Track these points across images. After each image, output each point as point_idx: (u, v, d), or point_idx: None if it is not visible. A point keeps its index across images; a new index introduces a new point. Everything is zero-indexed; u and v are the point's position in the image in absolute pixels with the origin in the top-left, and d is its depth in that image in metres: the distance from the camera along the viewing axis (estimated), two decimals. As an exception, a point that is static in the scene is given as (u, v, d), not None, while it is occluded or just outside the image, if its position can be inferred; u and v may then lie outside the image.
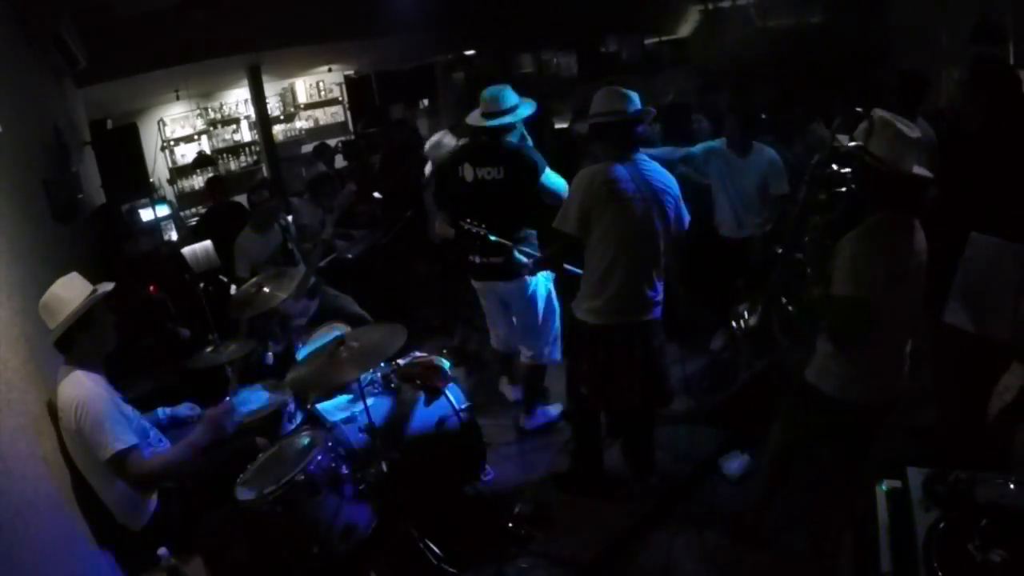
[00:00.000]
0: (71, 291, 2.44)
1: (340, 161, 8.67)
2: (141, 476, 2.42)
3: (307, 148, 10.18)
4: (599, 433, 3.30)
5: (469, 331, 4.97)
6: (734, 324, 2.98)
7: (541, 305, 3.64)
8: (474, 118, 3.47)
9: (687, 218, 2.99)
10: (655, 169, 2.92)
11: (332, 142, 8.10)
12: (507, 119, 3.37)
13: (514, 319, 3.79)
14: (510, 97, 3.42)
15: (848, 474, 2.62)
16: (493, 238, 3.32)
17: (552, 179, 3.40)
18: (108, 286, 2.55)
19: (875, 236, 2.19)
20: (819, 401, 2.41)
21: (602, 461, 3.34)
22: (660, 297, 2.96)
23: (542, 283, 3.63)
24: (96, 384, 2.45)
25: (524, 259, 3.32)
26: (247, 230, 4.37)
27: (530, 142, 3.54)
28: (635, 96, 2.87)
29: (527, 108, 3.45)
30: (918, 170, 2.19)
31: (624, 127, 2.86)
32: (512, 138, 3.45)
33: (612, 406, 3.19)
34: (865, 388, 2.36)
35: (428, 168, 4.91)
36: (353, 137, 9.52)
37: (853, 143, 2.26)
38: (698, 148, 4.40)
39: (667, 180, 2.92)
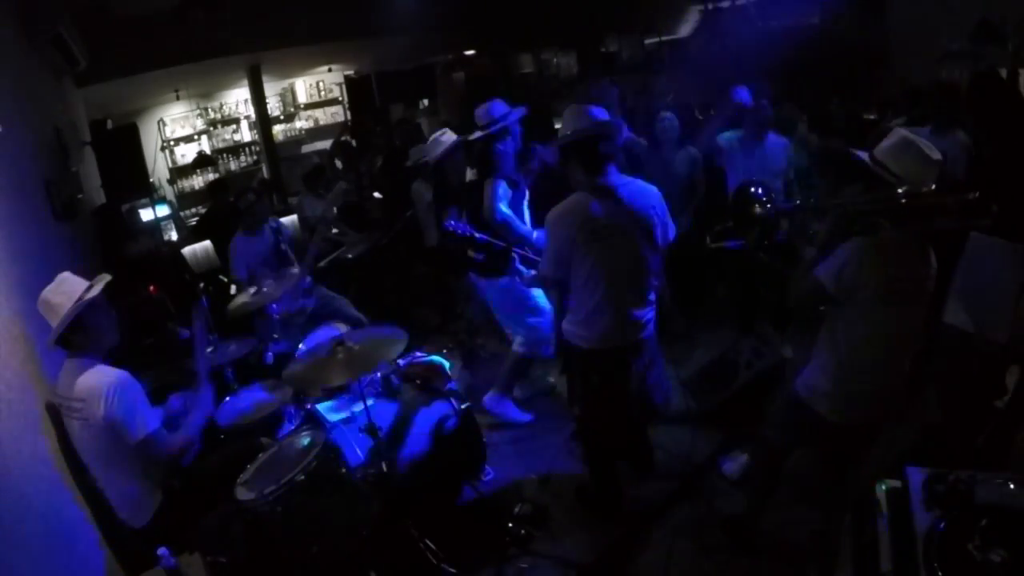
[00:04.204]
0: (59, 296, 2.41)
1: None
2: (169, 453, 2.50)
3: (307, 148, 10.19)
4: (611, 454, 3.17)
5: (470, 328, 4.97)
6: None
7: (520, 299, 3.71)
8: (475, 136, 3.75)
9: (673, 230, 2.87)
10: (635, 190, 2.75)
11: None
12: (492, 128, 3.60)
13: (500, 313, 3.94)
14: (497, 108, 3.67)
15: (841, 478, 2.62)
16: (479, 237, 3.31)
17: (494, 189, 3.49)
18: (100, 285, 2.51)
19: (880, 253, 2.17)
20: (810, 419, 2.39)
21: (618, 480, 3.19)
22: (652, 315, 2.88)
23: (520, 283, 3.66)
24: (119, 370, 2.46)
25: (524, 269, 3.25)
26: (239, 233, 4.38)
27: (517, 146, 3.73)
28: (597, 112, 2.73)
29: (515, 114, 3.69)
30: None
31: (587, 145, 2.69)
32: (505, 145, 3.62)
33: (607, 426, 3.09)
34: (858, 411, 2.34)
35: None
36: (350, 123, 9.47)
37: (871, 160, 2.22)
38: (723, 139, 4.41)
39: (649, 198, 2.76)
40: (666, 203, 2.82)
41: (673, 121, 4.77)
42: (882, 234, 2.18)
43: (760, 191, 2.57)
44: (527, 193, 3.79)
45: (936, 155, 2.13)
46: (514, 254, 3.39)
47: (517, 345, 3.94)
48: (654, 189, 2.82)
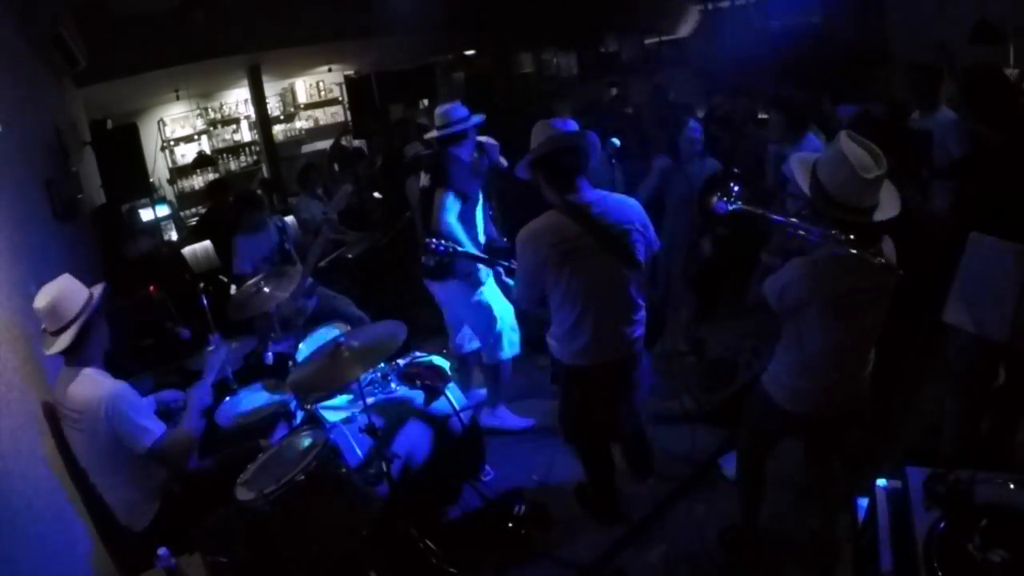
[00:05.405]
0: (63, 305, 2.38)
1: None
2: (181, 455, 2.50)
3: (307, 148, 10.19)
4: (605, 457, 3.15)
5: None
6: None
7: (470, 305, 3.67)
8: (431, 134, 3.73)
9: (656, 244, 2.78)
10: (611, 206, 2.63)
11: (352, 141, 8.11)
12: (448, 131, 3.54)
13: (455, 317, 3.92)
14: (457, 111, 3.58)
15: (822, 477, 2.62)
16: (461, 250, 3.23)
17: (442, 201, 3.39)
18: (98, 297, 2.49)
19: (822, 273, 2.13)
20: (772, 409, 2.41)
21: (613, 483, 3.18)
22: (641, 331, 2.80)
23: (469, 287, 3.62)
24: (116, 380, 2.45)
25: (510, 281, 3.10)
26: (240, 233, 4.38)
27: (486, 158, 3.69)
28: (562, 124, 2.67)
29: (474, 119, 3.61)
30: (883, 210, 2.06)
31: (553, 160, 2.63)
32: (461, 149, 3.55)
33: (587, 439, 3.10)
34: (815, 403, 2.34)
35: None
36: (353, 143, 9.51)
37: (814, 176, 2.14)
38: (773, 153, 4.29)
39: (628, 213, 2.65)
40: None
41: (700, 133, 4.43)
42: (820, 254, 2.14)
43: (735, 186, 2.49)
44: (481, 200, 3.68)
45: (873, 173, 2.00)
46: (499, 267, 3.31)
47: (484, 357, 3.86)
48: (633, 202, 2.73)
